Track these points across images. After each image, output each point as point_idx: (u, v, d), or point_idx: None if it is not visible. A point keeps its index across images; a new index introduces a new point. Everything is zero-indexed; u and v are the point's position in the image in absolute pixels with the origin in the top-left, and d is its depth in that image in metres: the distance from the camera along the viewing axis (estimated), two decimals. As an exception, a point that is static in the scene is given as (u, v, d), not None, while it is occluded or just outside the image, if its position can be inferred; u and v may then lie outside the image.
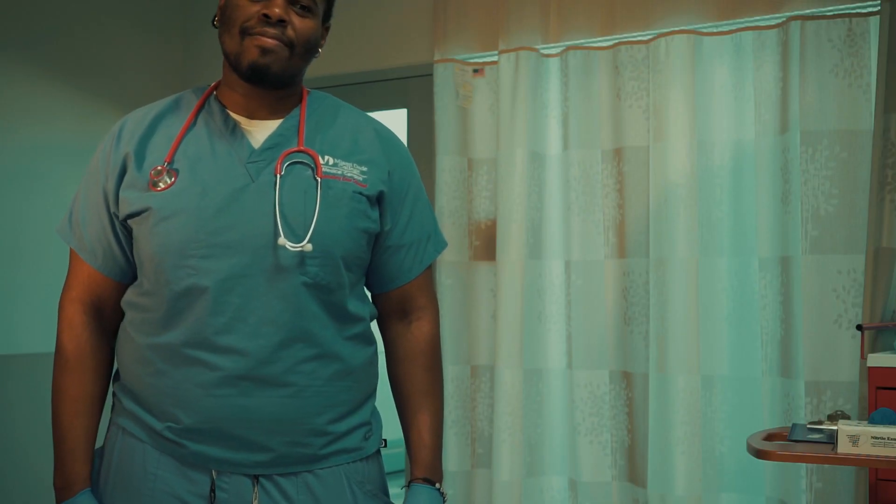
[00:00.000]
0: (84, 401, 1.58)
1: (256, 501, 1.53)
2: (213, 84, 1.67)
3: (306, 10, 1.56)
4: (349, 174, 1.58)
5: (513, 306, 3.10)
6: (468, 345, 3.26)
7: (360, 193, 1.58)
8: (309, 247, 1.50)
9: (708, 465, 2.87)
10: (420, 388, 1.71)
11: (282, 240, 1.49)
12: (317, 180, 1.55)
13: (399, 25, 3.53)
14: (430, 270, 1.74)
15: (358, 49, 3.59)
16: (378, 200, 1.62)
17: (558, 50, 3.17)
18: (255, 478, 1.53)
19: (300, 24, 1.55)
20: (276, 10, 1.52)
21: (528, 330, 3.12)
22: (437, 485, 1.67)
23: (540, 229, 3.16)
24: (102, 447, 1.62)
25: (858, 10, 2.74)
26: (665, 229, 2.91)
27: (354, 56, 3.59)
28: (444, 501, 1.66)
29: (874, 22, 2.69)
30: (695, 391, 2.86)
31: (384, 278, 1.69)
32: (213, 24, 1.62)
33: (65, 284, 1.63)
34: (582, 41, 3.13)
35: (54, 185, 3.40)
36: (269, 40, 1.53)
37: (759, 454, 2.08)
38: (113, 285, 1.62)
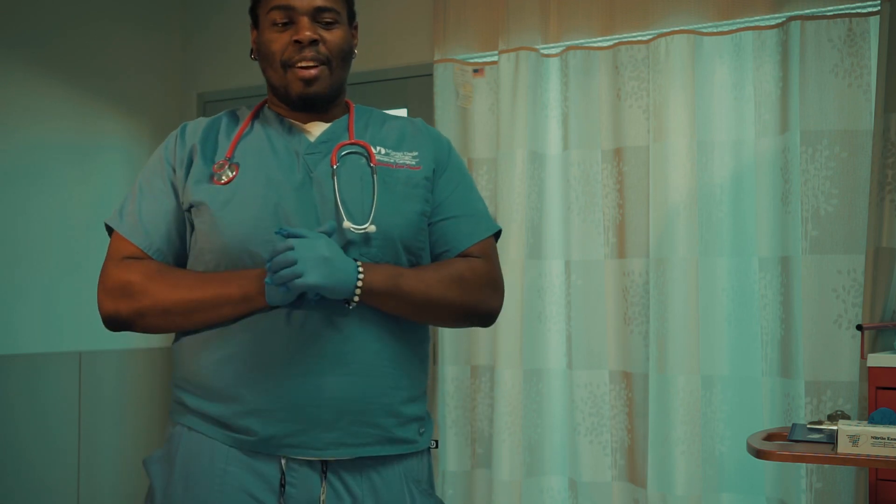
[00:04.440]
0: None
1: (324, 496, 1.57)
2: (261, 101, 1.77)
3: (332, 23, 1.66)
4: (401, 161, 1.68)
5: (513, 306, 3.10)
6: (468, 345, 3.26)
7: (415, 176, 1.67)
8: (373, 228, 1.58)
9: (708, 465, 2.86)
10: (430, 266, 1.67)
11: (346, 223, 1.57)
12: (371, 167, 1.65)
13: (399, 25, 3.52)
14: (490, 255, 1.72)
15: (358, 49, 3.57)
16: (430, 179, 1.71)
17: (558, 50, 3.17)
18: (324, 472, 1.57)
19: (331, 38, 1.66)
20: (307, 34, 1.63)
21: (528, 330, 3.12)
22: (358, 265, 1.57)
23: (540, 229, 3.15)
24: (162, 453, 1.63)
25: (858, 10, 2.74)
26: (665, 229, 2.91)
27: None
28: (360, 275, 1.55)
29: (874, 22, 2.69)
30: (695, 391, 2.86)
31: (440, 250, 1.71)
32: (252, 58, 1.73)
33: (104, 264, 1.64)
34: (582, 41, 3.13)
35: (54, 185, 3.39)
36: (310, 70, 1.64)
37: (759, 454, 2.09)
38: None
